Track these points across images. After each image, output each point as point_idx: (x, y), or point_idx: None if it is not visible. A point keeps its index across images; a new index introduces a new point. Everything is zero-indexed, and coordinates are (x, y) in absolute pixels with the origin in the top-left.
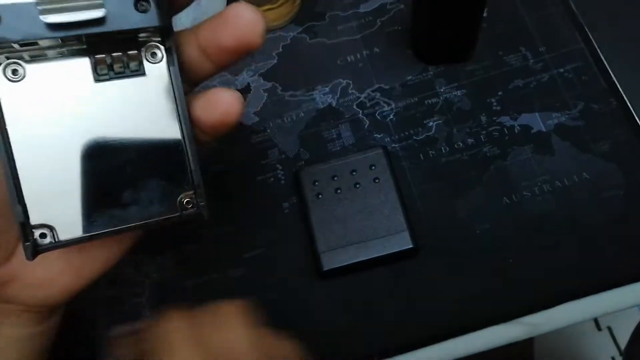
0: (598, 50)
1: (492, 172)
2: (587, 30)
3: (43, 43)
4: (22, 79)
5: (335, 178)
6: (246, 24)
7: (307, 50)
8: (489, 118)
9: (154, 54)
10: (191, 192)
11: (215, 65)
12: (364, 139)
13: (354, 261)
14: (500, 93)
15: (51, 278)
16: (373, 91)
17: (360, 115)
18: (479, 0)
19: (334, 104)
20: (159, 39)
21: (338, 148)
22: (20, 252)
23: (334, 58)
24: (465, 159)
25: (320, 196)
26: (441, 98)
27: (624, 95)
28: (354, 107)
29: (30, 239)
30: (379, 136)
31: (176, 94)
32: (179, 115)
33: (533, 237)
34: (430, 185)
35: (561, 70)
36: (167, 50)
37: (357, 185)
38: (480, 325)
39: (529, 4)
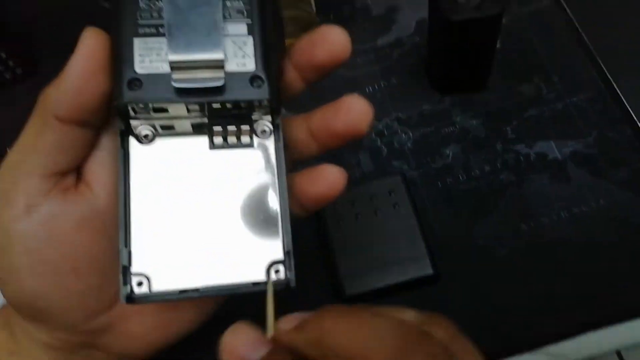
0: (611, 79)
1: (509, 198)
2: (598, 59)
3: (172, 112)
4: (150, 142)
5: (355, 204)
6: (357, 114)
7: (327, 82)
8: (504, 146)
9: (263, 131)
10: (281, 259)
11: (321, 147)
12: (383, 167)
13: (377, 287)
14: (515, 122)
15: (143, 332)
16: (391, 120)
17: (379, 143)
18: (491, 32)
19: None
20: (269, 117)
21: (357, 175)
22: (121, 304)
23: (354, 89)
24: (482, 186)
25: (340, 222)
26: (457, 127)
27: (638, 124)
28: (373, 135)
29: (128, 283)
30: (397, 163)
31: (278, 166)
32: (279, 185)
33: (553, 263)
34: (449, 211)
35: (575, 99)
36: (275, 127)
37: (377, 212)
38: (503, 353)
39: (540, 35)
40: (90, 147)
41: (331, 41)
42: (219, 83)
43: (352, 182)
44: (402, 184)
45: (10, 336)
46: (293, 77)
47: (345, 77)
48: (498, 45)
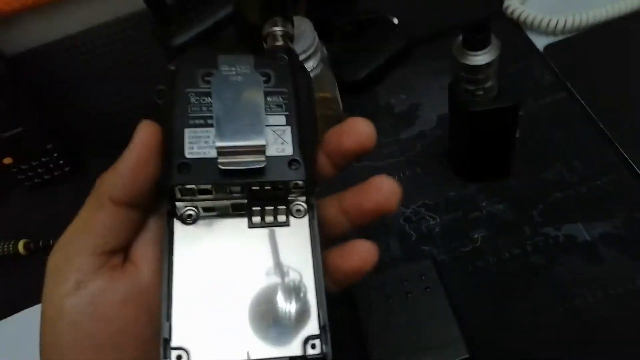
0: (631, 162)
1: (541, 280)
2: (617, 144)
3: (215, 195)
4: (193, 223)
5: (386, 287)
6: (386, 192)
7: (355, 172)
8: (532, 229)
9: (298, 210)
10: (317, 333)
11: (352, 224)
12: (412, 251)
13: None
14: (541, 205)
15: None
16: (418, 206)
17: (407, 229)
18: (509, 122)
19: (381, 219)
20: (304, 198)
21: (387, 260)
22: None
23: None
24: (513, 269)
25: (372, 306)
26: (484, 212)
27: None
28: (401, 221)
29: (168, 357)
30: (426, 248)
31: (312, 241)
32: (314, 261)
33: (593, 345)
34: (481, 294)
35: (598, 182)
36: (310, 207)
37: (409, 295)
38: None
39: (558, 124)
40: (139, 228)
41: (358, 131)
42: (261, 165)
43: (382, 267)
44: (433, 267)
45: None
46: (324, 164)
47: (371, 168)
48: (518, 135)
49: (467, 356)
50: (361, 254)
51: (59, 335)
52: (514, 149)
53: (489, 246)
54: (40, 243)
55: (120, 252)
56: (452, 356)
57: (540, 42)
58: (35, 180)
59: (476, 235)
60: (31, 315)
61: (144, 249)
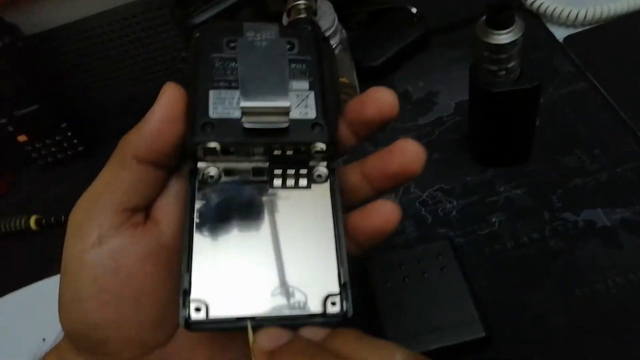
0: None
1: (560, 265)
2: (638, 133)
3: (237, 156)
4: (214, 182)
5: (402, 267)
6: (411, 154)
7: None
8: (551, 214)
9: (319, 176)
10: (337, 291)
11: (375, 190)
12: (428, 234)
13: (425, 350)
14: (560, 191)
15: None
16: (434, 191)
17: (423, 212)
18: (530, 104)
19: (396, 202)
20: (325, 163)
21: (402, 242)
22: (175, 339)
23: None
24: (531, 253)
25: (387, 284)
26: (502, 196)
27: None
28: (417, 204)
29: (187, 307)
30: (442, 231)
31: (334, 203)
32: (335, 221)
33: (612, 331)
34: (498, 277)
35: (618, 170)
36: (331, 171)
37: (425, 274)
38: None
39: (578, 113)
40: (161, 188)
41: (380, 100)
42: (284, 125)
43: (398, 248)
44: (450, 247)
45: None
46: (346, 134)
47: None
48: (537, 123)
49: (483, 335)
50: (383, 213)
51: (79, 289)
52: (534, 134)
53: (506, 230)
54: (52, 219)
55: (142, 210)
56: (468, 335)
57: (560, 33)
58: (49, 159)
59: (494, 219)
60: (42, 288)
61: (166, 208)
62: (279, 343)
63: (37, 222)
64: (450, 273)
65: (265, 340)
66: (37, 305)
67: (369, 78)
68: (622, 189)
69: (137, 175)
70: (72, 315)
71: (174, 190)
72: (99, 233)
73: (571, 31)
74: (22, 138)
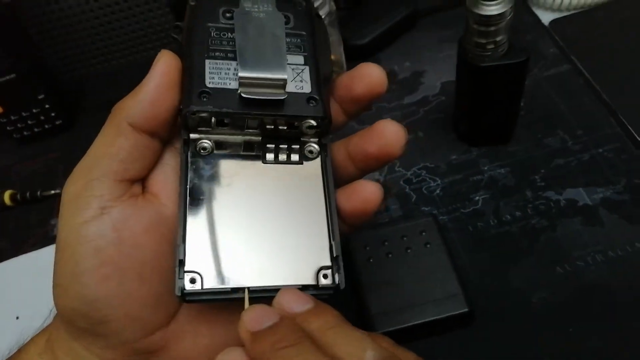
0: (634, 133)
1: (542, 242)
2: (621, 117)
3: (231, 127)
4: (207, 154)
5: (386, 243)
6: (390, 137)
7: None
8: (534, 193)
9: (311, 151)
10: (329, 264)
11: (359, 170)
12: (412, 211)
13: (409, 324)
14: (542, 170)
15: (195, 353)
16: (419, 169)
17: (407, 190)
18: (517, 80)
19: (381, 180)
20: (317, 140)
21: (386, 220)
22: (177, 320)
23: None
24: (514, 231)
25: (370, 260)
26: (485, 175)
27: None
28: (401, 182)
29: (182, 277)
30: (426, 209)
31: (326, 178)
32: (326, 195)
33: (592, 306)
34: (481, 254)
35: (600, 150)
36: (322, 147)
37: (408, 250)
38: None
39: (562, 94)
40: (157, 159)
41: (368, 76)
42: (281, 97)
43: (381, 225)
44: (434, 224)
45: None
46: (336, 110)
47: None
48: (522, 104)
49: (466, 310)
50: (363, 194)
51: (79, 263)
52: (518, 113)
53: (490, 208)
54: (27, 194)
55: (139, 181)
56: (452, 310)
57: (546, 17)
58: (25, 133)
59: (477, 198)
60: (15, 266)
61: (164, 181)
62: (264, 324)
63: (12, 197)
64: (434, 249)
65: (250, 319)
66: (10, 283)
67: (355, 57)
68: (603, 169)
69: (133, 144)
70: (70, 291)
71: (171, 164)
72: (100, 204)
73: (557, 15)
74: None
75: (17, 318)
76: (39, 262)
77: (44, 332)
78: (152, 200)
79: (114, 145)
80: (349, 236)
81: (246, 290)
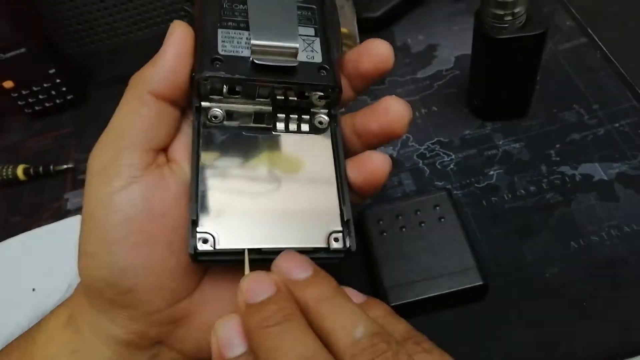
0: None
1: (556, 217)
2: (637, 89)
3: (242, 97)
4: (219, 123)
5: (400, 217)
6: (393, 115)
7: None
8: (549, 168)
9: (320, 122)
10: (340, 229)
11: (364, 146)
12: (425, 186)
13: (422, 297)
14: (558, 145)
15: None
16: (432, 144)
17: (420, 165)
18: (535, 53)
19: (394, 155)
20: (326, 111)
21: (399, 194)
22: (201, 290)
23: None
24: (528, 206)
25: (384, 234)
26: (500, 150)
27: None
28: (415, 157)
29: (195, 237)
30: (440, 184)
31: (336, 146)
32: (336, 162)
33: (606, 281)
34: (495, 229)
35: (616, 125)
36: (332, 117)
37: (422, 224)
38: None
39: (577, 69)
40: (178, 127)
41: (375, 52)
42: (293, 64)
43: (394, 199)
44: (448, 198)
45: (75, 333)
46: (343, 85)
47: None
48: (537, 78)
49: (480, 283)
50: (371, 166)
51: (108, 232)
52: (534, 87)
53: (504, 183)
54: (41, 169)
55: (163, 151)
56: (466, 283)
57: None
58: (36, 108)
59: (491, 172)
60: (30, 239)
61: (185, 150)
62: (259, 297)
63: (25, 171)
64: (448, 223)
65: (247, 290)
66: (26, 255)
67: (368, 29)
68: (619, 144)
69: (157, 113)
70: (99, 260)
71: (188, 134)
72: (129, 173)
73: None
74: (7, 84)
75: (34, 290)
76: (54, 235)
77: (64, 306)
78: (177, 170)
79: (139, 115)
80: (363, 210)
81: (246, 252)
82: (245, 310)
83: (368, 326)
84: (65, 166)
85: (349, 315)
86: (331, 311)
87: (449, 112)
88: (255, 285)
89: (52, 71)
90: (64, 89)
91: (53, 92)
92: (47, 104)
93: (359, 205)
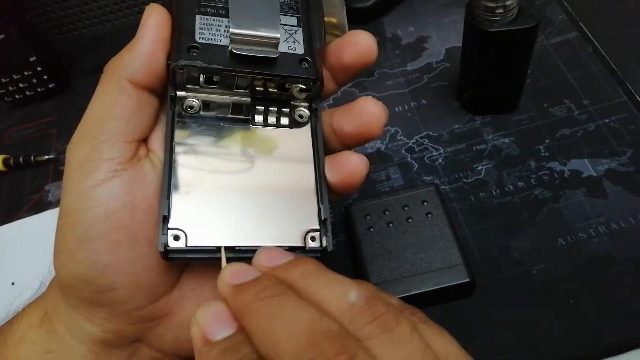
0: None
1: (544, 214)
2: (628, 85)
3: (220, 87)
4: (194, 114)
5: (387, 212)
6: (367, 116)
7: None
8: (538, 163)
9: (301, 116)
10: (317, 227)
11: (342, 145)
12: (413, 181)
13: (409, 294)
14: (547, 140)
15: None
16: (421, 138)
17: (409, 159)
18: (526, 46)
19: (382, 149)
20: (307, 104)
21: (387, 188)
22: (180, 287)
23: None
24: (516, 201)
25: (371, 229)
26: (489, 145)
27: None
28: (403, 151)
29: (165, 233)
30: (428, 178)
31: (315, 142)
32: (315, 159)
33: (593, 278)
34: (483, 225)
35: (606, 120)
36: (313, 112)
37: (410, 219)
38: None
39: (569, 63)
40: (157, 117)
41: (358, 44)
42: (273, 55)
43: (382, 194)
44: (436, 193)
45: (50, 333)
46: (325, 78)
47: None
48: (528, 72)
49: (467, 280)
50: (347, 166)
51: (88, 228)
52: (525, 82)
53: (492, 178)
54: (21, 159)
55: (143, 142)
56: (452, 280)
57: None
58: (17, 96)
59: (480, 167)
60: (9, 232)
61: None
62: (245, 279)
63: (5, 162)
64: (435, 219)
65: (231, 274)
66: (5, 249)
67: (358, 20)
68: (609, 140)
69: (136, 101)
70: (77, 258)
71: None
72: (110, 167)
73: None
74: None
75: (13, 284)
76: (34, 227)
77: (37, 303)
78: (157, 162)
79: (117, 104)
80: (351, 205)
81: (222, 249)
82: (234, 290)
83: (361, 290)
84: (46, 157)
85: (339, 284)
86: (319, 284)
87: (439, 106)
88: (239, 270)
89: (32, 59)
90: (45, 77)
91: (34, 80)
92: (27, 93)
93: (333, 201)
